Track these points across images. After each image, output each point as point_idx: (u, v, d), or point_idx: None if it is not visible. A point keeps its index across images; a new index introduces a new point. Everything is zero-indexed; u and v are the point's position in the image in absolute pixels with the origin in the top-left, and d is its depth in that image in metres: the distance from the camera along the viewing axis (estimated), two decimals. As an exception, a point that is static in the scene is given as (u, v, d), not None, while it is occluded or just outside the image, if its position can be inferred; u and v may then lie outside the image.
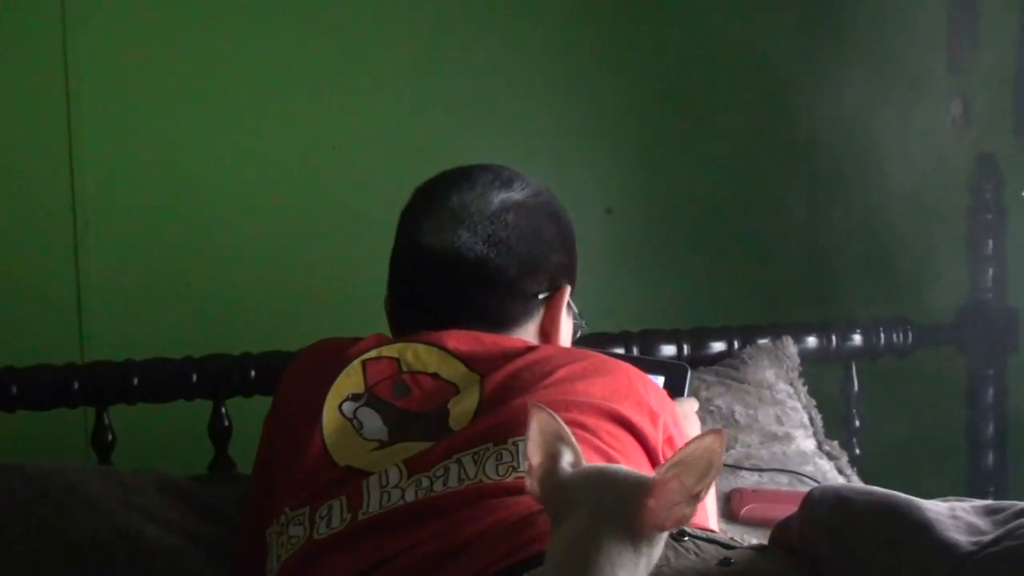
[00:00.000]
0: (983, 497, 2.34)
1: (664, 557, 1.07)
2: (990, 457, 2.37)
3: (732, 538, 1.18)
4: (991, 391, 2.36)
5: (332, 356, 1.55)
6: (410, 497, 1.36)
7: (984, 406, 2.36)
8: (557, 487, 1.05)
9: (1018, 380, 2.36)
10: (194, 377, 2.01)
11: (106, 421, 2.01)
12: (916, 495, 2.11)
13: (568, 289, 1.63)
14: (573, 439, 1.09)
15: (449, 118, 2.86)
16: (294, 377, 1.61)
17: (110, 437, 2.02)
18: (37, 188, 2.63)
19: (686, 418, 1.70)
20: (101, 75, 2.65)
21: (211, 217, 2.70)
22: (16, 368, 1.97)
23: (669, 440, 1.50)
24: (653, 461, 1.46)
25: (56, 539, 1.74)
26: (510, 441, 1.39)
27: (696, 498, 1.01)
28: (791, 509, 1.87)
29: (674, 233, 2.99)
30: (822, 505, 1.10)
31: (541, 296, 1.60)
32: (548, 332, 1.62)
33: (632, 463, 1.41)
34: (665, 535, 1.03)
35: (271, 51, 2.74)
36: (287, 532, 1.40)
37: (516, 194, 1.60)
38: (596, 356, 1.56)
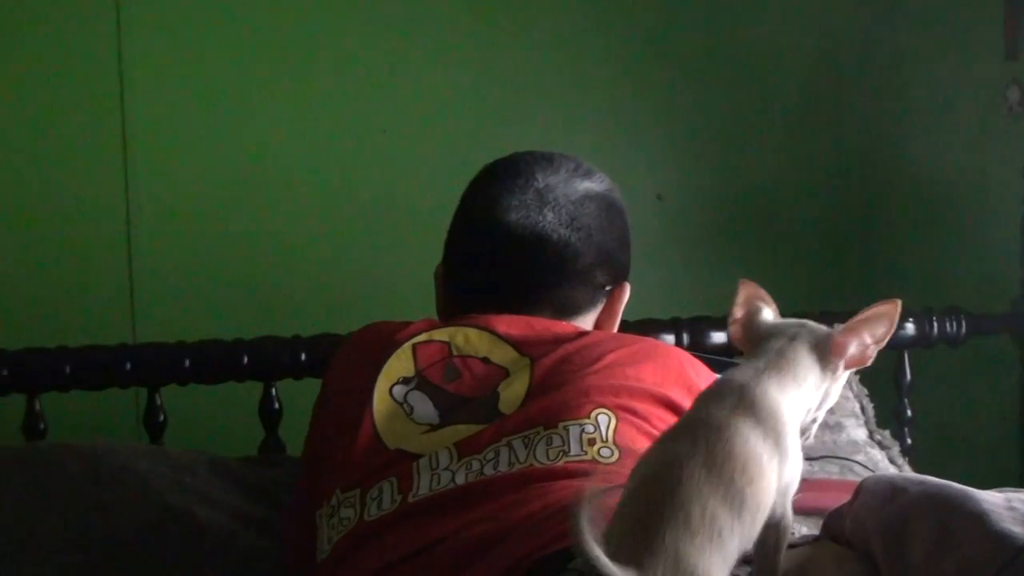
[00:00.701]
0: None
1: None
2: (1044, 448, 2.35)
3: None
4: (1045, 381, 2.34)
5: (382, 340, 1.55)
6: (460, 480, 1.36)
7: (1038, 396, 2.34)
8: (757, 329, 1.22)
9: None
10: (245, 359, 2.02)
11: (158, 401, 2.03)
12: (969, 486, 2.12)
13: (628, 287, 1.64)
14: (772, 303, 1.27)
15: (500, 104, 2.86)
16: (344, 361, 1.62)
17: (162, 418, 2.03)
18: (90, 170, 2.64)
19: None
20: (154, 61, 2.66)
21: (262, 202, 2.71)
22: (69, 348, 1.98)
23: None
24: None
25: (108, 518, 1.76)
26: (560, 425, 1.39)
27: (877, 344, 1.20)
28: (842, 498, 1.87)
29: (724, 221, 2.98)
30: (875, 495, 1.09)
31: (607, 288, 1.61)
32: (603, 325, 1.62)
33: None
34: (844, 377, 1.21)
35: (321, 37, 2.75)
36: (338, 514, 1.41)
37: (597, 185, 1.61)
38: (646, 340, 1.56)
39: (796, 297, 2.85)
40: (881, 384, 2.26)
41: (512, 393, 1.45)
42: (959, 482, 2.05)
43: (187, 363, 2.00)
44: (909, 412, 2.29)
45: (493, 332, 1.52)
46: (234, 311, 2.60)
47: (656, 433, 1.40)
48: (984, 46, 2.52)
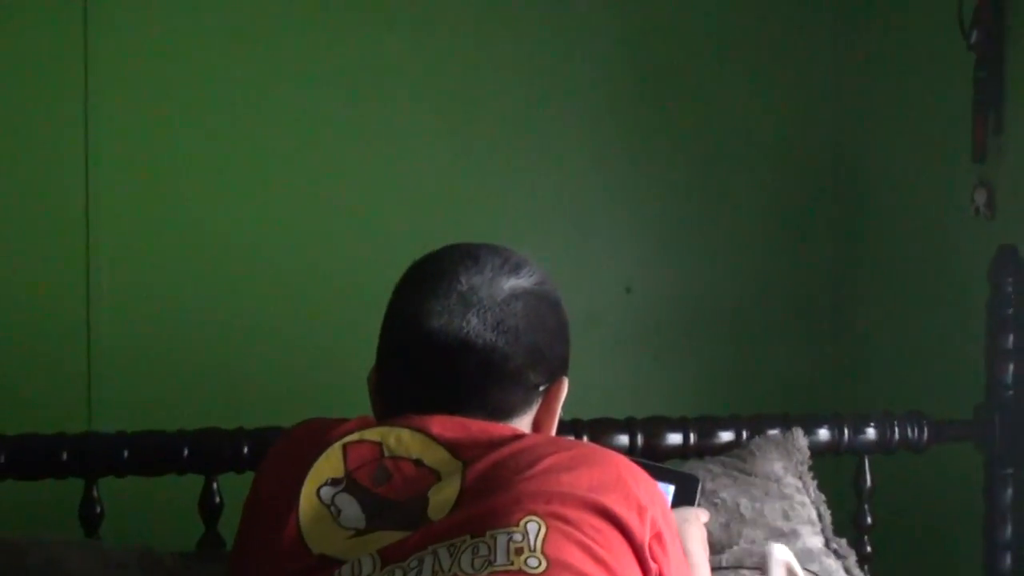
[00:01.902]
0: (1000, 601, 2.29)
1: None
2: (1008, 560, 2.29)
3: None
4: (1010, 491, 2.28)
5: (313, 439, 1.51)
6: (380, 589, 1.32)
7: (1003, 507, 2.28)
8: None
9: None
10: (185, 451, 1.97)
11: (95, 493, 1.98)
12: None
13: (566, 382, 1.59)
14: None
15: (473, 191, 2.87)
16: (274, 460, 1.57)
17: (99, 510, 1.98)
18: (50, 251, 2.65)
19: (688, 523, 1.66)
20: (120, 133, 2.68)
21: (224, 286, 2.69)
22: (5, 436, 1.94)
23: (658, 536, 1.45)
24: (639, 558, 1.41)
25: (32, 617, 1.72)
26: (488, 533, 1.34)
27: None
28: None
29: (693, 316, 2.97)
30: None
31: (541, 388, 1.56)
32: (542, 424, 1.57)
33: (616, 558, 1.36)
34: None
35: (290, 111, 2.76)
36: None
37: (524, 281, 1.55)
38: (585, 446, 1.52)
39: (763, 395, 2.86)
40: (840, 489, 2.22)
41: (442, 498, 1.41)
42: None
43: (126, 454, 1.96)
44: (869, 519, 2.24)
45: (427, 433, 1.48)
46: (194, 398, 2.56)
47: (587, 542, 1.36)
48: (952, 147, 2.50)
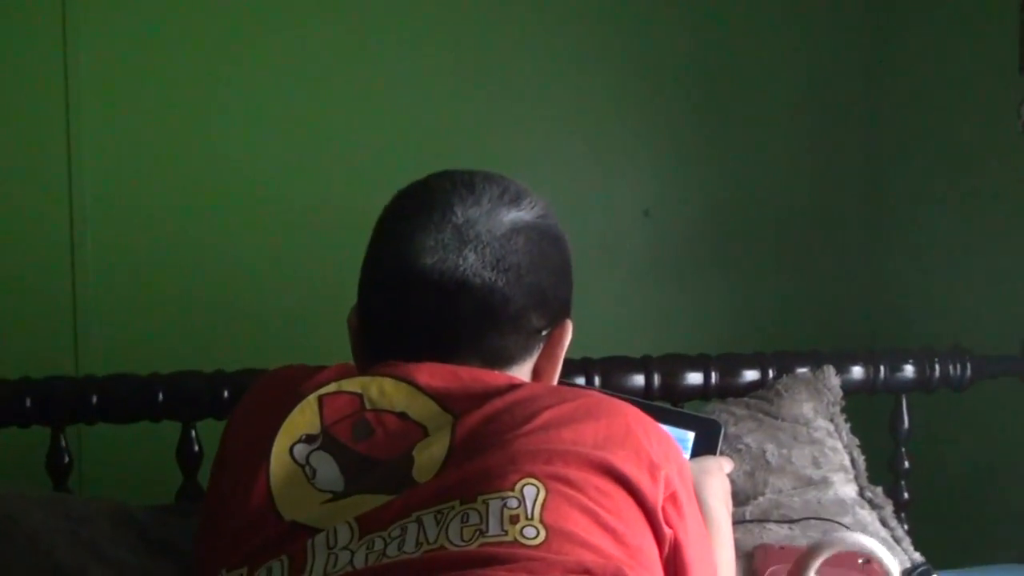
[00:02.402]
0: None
1: None
2: (1056, 506, 2.14)
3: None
4: (1058, 432, 2.13)
5: (286, 389, 1.35)
6: (359, 562, 1.15)
7: (1050, 448, 2.13)
8: None
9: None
10: (160, 396, 1.82)
11: (62, 442, 1.82)
12: (972, 542, 1.91)
13: (570, 325, 1.42)
14: None
15: (482, 113, 2.69)
16: (243, 414, 1.40)
17: (67, 460, 1.83)
18: (33, 187, 2.48)
19: (709, 475, 1.50)
20: (101, 63, 2.49)
21: (213, 219, 2.53)
22: (-41, 381, 1.79)
23: (672, 497, 1.28)
24: (651, 522, 1.24)
25: (-13, 580, 1.58)
26: (479, 499, 1.18)
27: None
28: (821, 572, 1.67)
29: (713, 240, 2.79)
30: None
31: (543, 332, 1.39)
32: (543, 372, 1.40)
33: (626, 524, 1.20)
34: None
35: (282, 32, 2.58)
36: None
37: (526, 214, 1.37)
38: (590, 395, 1.34)
39: (785, 330, 2.69)
40: (873, 432, 2.05)
41: (428, 457, 1.24)
42: (960, 539, 1.87)
43: (95, 399, 1.81)
44: (906, 463, 2.08)
45: (412, 383, 1.31)
46: (178, 342, 2.42)
47: (593, 507, 1.20)
48: (997, 60, 2.31)
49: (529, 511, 1.17)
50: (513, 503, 1.17)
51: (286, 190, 2.56)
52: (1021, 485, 2.17)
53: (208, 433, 1.86)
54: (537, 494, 1.19)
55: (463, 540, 1.15)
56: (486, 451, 1.23)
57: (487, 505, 1.17)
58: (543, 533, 1.15)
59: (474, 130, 2.67)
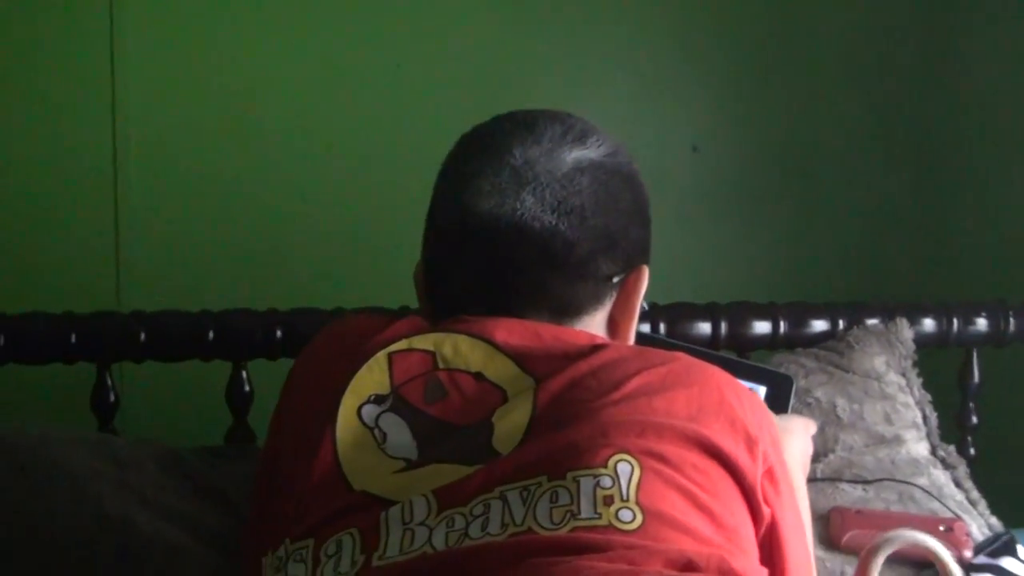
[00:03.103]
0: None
1: None
2: (1125, 464, 2.01)
3: None
4: None
5: (354, 344, 1.23)
6: (439, 542, 1.04)
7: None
8: None
9: None
10: (211, 334, 1.70)
11: (108, 380, 1.71)
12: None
13: (646, 271, 1.29)
14: None
15: (528, 46, 2.53)
16: (307, 365, 1.29)
17: (113, 398, 1.72)
18: (76, 123, 2.33)
19: (791, 436, 1.37)
20: (145, 22, 2.34)
21: (256, 151, 2.38)
22: (6, 315, 1.67)
23: (769, 473, 1.16)
24: (748, 500, 1.13)
25: (30, 527, 1.45)
26: (569, 476, 1.06)
27: None
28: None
29: (767, 178, 2.64)
30: None
31: (615, 279, 1.26)
32: (619, 322, 1.28)
33: (724, 505, 1.09)
34: None
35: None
36: (286, 569, 1.09)
37: (591, 152, 1.25)
38: (679, 359, 1.21)
39: (847, 277, 2.55)
40: (940, 387, 1.92)
41: (509, 425, 1.12)
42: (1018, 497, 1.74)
43: (143, 336, 1.68)
44: (975, 419, 1.95)
45: (490, 341, 1.18)
46: (226, 280, 2.29)
47: (689, 487, 1.07)
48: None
49: (624, 491, 1.05)
50: (607, 482, 1.05)
51: (334, 126, 2.41)
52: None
53: (259, 373, 1.75)
54: (632, 472, 1.07)
55: (553, 523, 1.03)
56: (573, 421, 1.11)
57: (578, 483, 1.05)
58: (640, 517, 1.04)
59: (521, 66, 2.52)
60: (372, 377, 1.18)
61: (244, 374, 1.74)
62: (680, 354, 1.24)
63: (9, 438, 1.53)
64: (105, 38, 2.30)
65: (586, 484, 1.05)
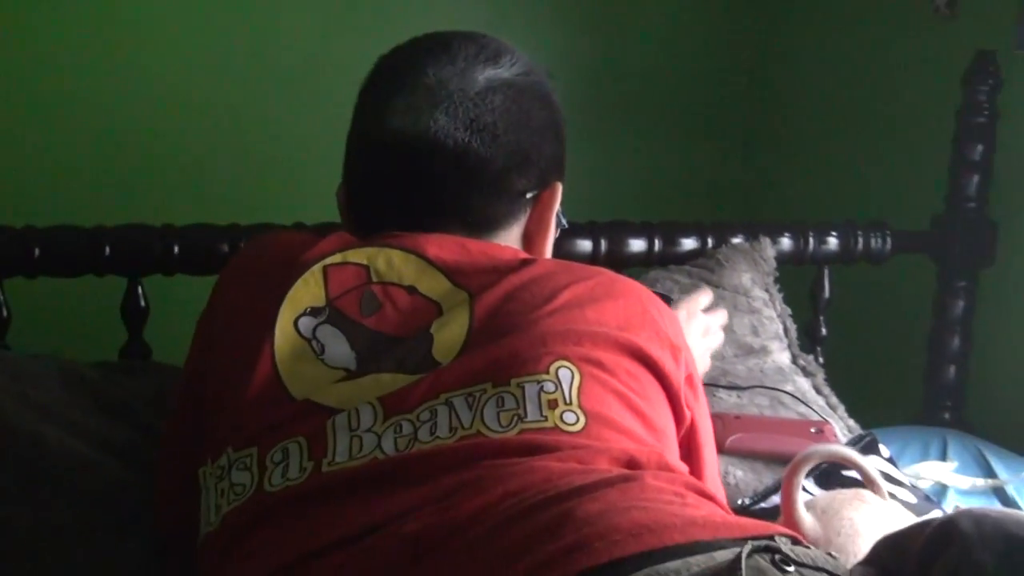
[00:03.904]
0: (937, 412, 2.12)
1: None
2: (952, 372, 2.11)
3: (830, 554, 0.86)
4: (961, 304, 2.09)
5: (286, 256, 1.20)
6: (388, 446, 1.03)
7: (952, 319, 2.09)
8: None
9: (990, 295, 2.09)
10: (107, 250, 1.63)
11: (0, 295, 1.63)
12: (874, 406, 1.87)
13: (560, 187, 1.29)
14: None
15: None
16: (238, 275, 1.25)
17: (4, 314, 1.63)
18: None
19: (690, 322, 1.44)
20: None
21: (153, 68, 2.27)
22: None
23: (689, 379, 1.20)
24: (673, 405, 1.16)
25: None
26: (513, 382, 1.06)
27: None
28: (782, 440, 1.60)
29: (619, 106, 2.64)
30: (985, 550, 0.76)
31: (529, 195, 1.25)
32: (533, 236, 1.28)
33: (653, 408, 1.12)
34: None
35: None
36: (229, 478, 1.07)
37: (504, 71, 1.23)
38: (604, 273, 1.22)
39: (697, 196, 2.59)
40: (796, 302, 1.98)
41: (449, 336, 1.11)
42: (864, 403, 1.82)
43: (37, 252, 1.60)
44: (824, 331, 2.02)
45: (421, 255, 1.17)
46: (104, 193, 2.18)
47: (624, 391, 1.09)
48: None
49: (567, 395, 1.06)
50: (550, 387, 1.06)
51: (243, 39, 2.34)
52: (921, 354, 2.14)
53: (155, 289, 1.69)
54: (572, 378, 1.08)
55: (501, 426, 1.04)
56: (511, 332, 1.11)
57: (522, 389, 1.06)
58: (583, 419, 1.05)
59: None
60: (308, 290, 1.15)
61: (140, 289, 1.68)
62: (603, 268, 1.25)
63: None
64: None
65: (530, 389, 1.05)
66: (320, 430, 1.05)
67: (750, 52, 2.68)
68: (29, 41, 2.21)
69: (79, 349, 1.60)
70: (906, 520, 1.19)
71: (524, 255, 1.22)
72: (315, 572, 0.95)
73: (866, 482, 1.26)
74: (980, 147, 2.03)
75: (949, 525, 0.78)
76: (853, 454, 1.27)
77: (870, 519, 1.18)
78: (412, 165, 1.20)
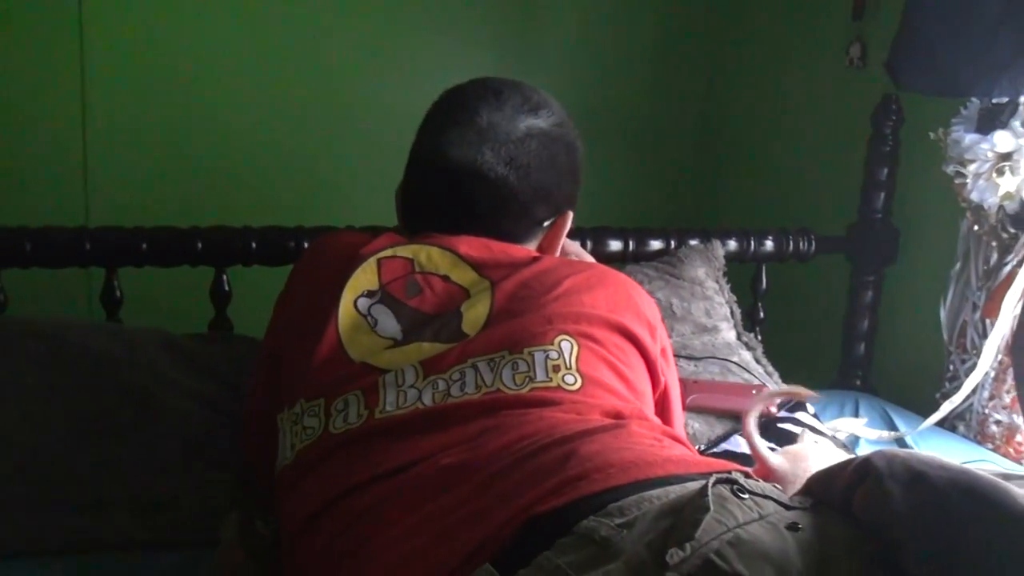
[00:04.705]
0: (850, 379, 2.14)
1: (733, 516, 0.77)
2: (862, 347, 2.13)
3: (776, 486, 0.88)
4: (870, 293, 2.11)
5: (348, 250, 1.22)
6: (427, 399, 1.05)
7: (863, 305, 2.11)
8: None
9: (893, 287, 2.11)
10: (199, 245, 1.64)
11: (115, 281, 1.64)
12: (801, 374, 1.88)
13: (570, 216, 1.31)
14: None
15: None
16: (310, 264, 1.27)
17: (118, 295, 1.65)
18: (46, 50, 2.17)
19: None
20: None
21: (210, 99, 2.27)
22: (31, 228, 1.58)
23: (663, 351, 1.23)
24: (651, 370, 1.19)
25: (68, 399, 1.40)
26: (525, 351, 1.08)
27: None
28: (730, 399, 1.62)
29: (602, 134, 2.63)
30: (894, 481, 0.78)
31: (546, 224, 1.28)
32: (545, 251, 1.30)
33: (635, 374, 1.15)
34: None
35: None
36: (302, 422, 1.09)
37: (542, 122, 1.25)
38: (596, 267, 1.26)
39: (658, 205, 2.61)
40: (739, 292, 2.00)
41: (475, 314, 1.14)
42: (794, 370, 1.84)
43: (144, 246, 1.62)
44: (762, 315, 2.04)
45: (454, 252, 1.20)
46: (182, 200, 2.19)
47: (612, 360, 1.12)
48: (834, 8, 2.22)
49: (568, 361, 1.09)
50: (554, 355, 1.09)
51: (290, 66, 2.33)
52: (838, 333, 2.16)
53: (236, 277, 1.70)
54: (572, 348, 1.10)
55: (516, 384, 1.06)
56: (525, 312, 1.14)
57: (532, 356, 1.08)
58: (580, 380, 1.07)
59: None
60: (365, 277, 1.17)
61: (224, 277, 1.69)
62: (595, 263, 1.29)
63: (42, 327, 1.47)
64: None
65: (539, 356, 1.08)
66: (374, 386, 1.07)
67: (703, 89, 2.68)
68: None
69: (177, 325, 1.61)
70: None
71: (535, 253, 1.25)
72: (372, 494, 0.97)
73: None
74: (886, 169, 2.04)
75: (867, 462, 0.80)
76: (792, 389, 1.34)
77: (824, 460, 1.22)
78: (458, 186, 1.22)
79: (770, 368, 1.80)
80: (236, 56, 2.27)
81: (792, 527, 0.76)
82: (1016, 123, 1.73)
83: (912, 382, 2.02)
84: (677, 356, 1.70)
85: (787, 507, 0.81)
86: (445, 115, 1.25)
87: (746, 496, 0.80)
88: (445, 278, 1.18)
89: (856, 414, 1.85)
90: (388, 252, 1.19)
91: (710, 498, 0.78)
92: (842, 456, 1.25)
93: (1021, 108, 1.73)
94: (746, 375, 1.71)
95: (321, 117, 2.31)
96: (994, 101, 1.75)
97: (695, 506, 0.78)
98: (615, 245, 1.89)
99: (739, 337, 1.84)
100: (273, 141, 2.28)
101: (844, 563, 0.74)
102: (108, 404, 1.41)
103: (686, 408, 1.56)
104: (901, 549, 0.73)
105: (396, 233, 1.25)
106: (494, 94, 1.24)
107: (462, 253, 1.19)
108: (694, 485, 0.84)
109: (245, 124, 2.28)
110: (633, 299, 1.20)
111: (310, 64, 2.33)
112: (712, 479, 0.82)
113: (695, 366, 1.70)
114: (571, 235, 1.83)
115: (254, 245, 1.66)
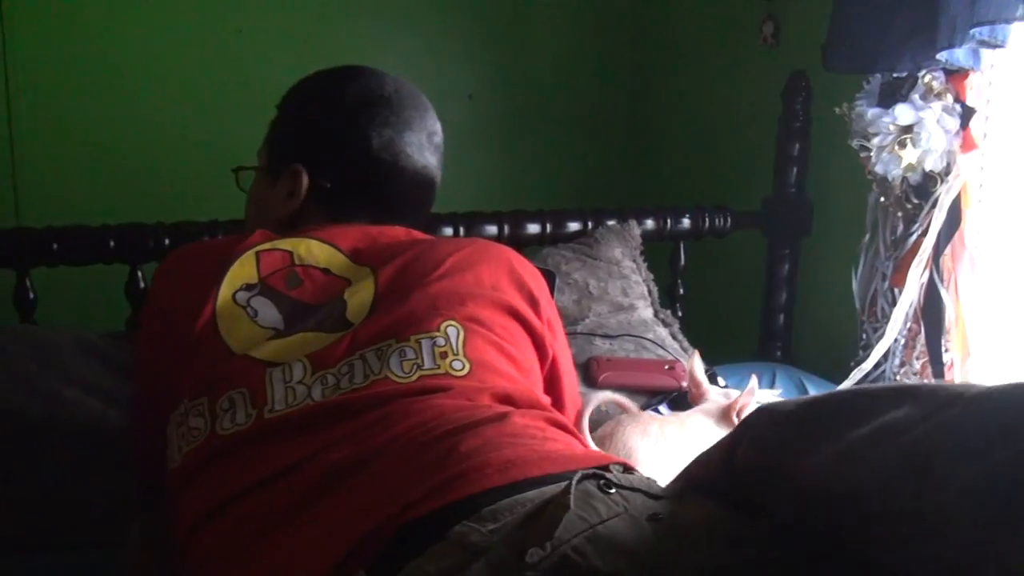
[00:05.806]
0: (770, 351, 2.12)
1: (596, 512, 0.74)
2: (780, 319, 2.11)
3: (650, 479, 0.84)
4: (786, 266, 2.09)
5: (220, 248, 1.17)
6: (316, 395, 1.01)
7: (780, 278, 2.09)
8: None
9: (808, 259, 2.09)
10: (111, 243, 1.59)
11: (28, 282, 1.58)
12: (721, 347, 1.86)
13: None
14: None
15: (340, 8, 2.39)
16: (177, 266, 1.18)
17: (32, 296, 1.59)
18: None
19: None
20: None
21: (134, 97, 2.20)
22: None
23: (548, 323, 1.19)
24: (537, 345, 1.16)
25: (-28, 401, 1.34)
26: (412, 338, 1.05)
27: None
28: (640, 376, 1.60)
29: (526, 117, 2.61)
30: (755, 427, 0.75)
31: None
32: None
33: (522, 352, 1.12)
34: None
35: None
36: (187, 423, 1.03)
37: (437, 137, 1.33)
38: (476, 242, 1.23)
39: (582, 187, 2.57)
40: (659, 270, 1.97)
41: (358, 301, 1.10)
42: (716, 343, 1.82)
43: (55, 246, 1.56)
44: (681, 291, 2.01)
45: (334, 245, 1.16)
46: (104, 198, 2.12)
47: (499, 341, 1.08)
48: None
49: (455, 347, 1.05)
50: (441, 341, 1.05)
51: (197, 67, 2.26)
52: (757, 306, 2.14)
53: (151, 274, 1.64)
54: (458, 333, 1.07)
55: (404, 372, 1.02)
56: (409, 294, 1.10)
57: (420, 343, 1.05)
58: (468, 365, 1.04)
59: (325, 26, 2.37)
60: (243, 270, 1.13)
61: (139, 274, 1.64)
62: (475, 238, 1.28)
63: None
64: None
65: (426, 343, 1.04)
66: (259, 382, 1.02)
67: (625, 73, 2.64)
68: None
69: (91, 324, 1.56)
70: (662, 427, 1.28)
71: (415, 234, 1.24)
72: (257, 499, 0.93)
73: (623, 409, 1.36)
74: (798, 145, 2.02)
75: (743, 423, 0.77)
76: (618, 397, 1.39)
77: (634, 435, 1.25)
78: (410, 186, 1.27)
79: (686, 344, 1.77)
80: (164, 50, 2.20)
81: (652, 517, 0.73)
82: (916, 96, 1.71)
83: (830, 352, 2.00)
84: (593, 335, 1.68)
85: (656, 497, 0.78)
86: (398, 115, 1.26)
87: (613, 491, 0.77)
88: (325, 271, 1.14)
89: (772, 386, 1.83)
90: (267, 246, 1.15)
91: (572, 496, 0.76)
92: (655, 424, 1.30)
93: (920, 82, 1.71)
94: (660, 351, 1.68)
95: (248, 112, 2.25)
96: (895, 75, 1.73)
97: (557, 504, 0.75)
98: (533, 228, 1.85)
99: (656, 314, 1.81)
100: (202, 136, 2.21)
101: (703, 546, 0.71)
102: (17, 407, 1.35)
103: (599, 385, 1.54)
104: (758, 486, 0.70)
105: (268, 232, 1.20)
106: (421, 100, 1.30)
107: (341, 247, 1.15)
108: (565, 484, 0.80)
109: (174, 119, 2.21)
110: (516, 271, 1.17)
111: (239, 59, 2.27)
112: (578, 476, 0.79)
113: (610, 344, 1.67)
114: (489, 220, 1.82)
115: (167, 241, 1.60)
